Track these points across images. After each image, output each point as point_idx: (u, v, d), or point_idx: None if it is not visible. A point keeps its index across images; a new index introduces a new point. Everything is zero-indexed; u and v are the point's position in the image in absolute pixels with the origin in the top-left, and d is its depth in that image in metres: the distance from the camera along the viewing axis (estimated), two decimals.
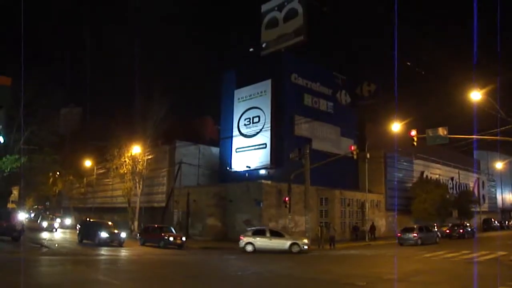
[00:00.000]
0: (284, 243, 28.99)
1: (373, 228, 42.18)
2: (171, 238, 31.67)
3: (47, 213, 57.67)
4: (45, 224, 47.29)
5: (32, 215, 66.87)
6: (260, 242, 28.94)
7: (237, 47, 51.95)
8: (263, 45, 49.14)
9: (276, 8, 49.51)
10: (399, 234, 37.37)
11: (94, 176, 60.46)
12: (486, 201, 73.29)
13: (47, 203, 68.25)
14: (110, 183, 55.75)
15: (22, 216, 60.38)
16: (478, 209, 61.39)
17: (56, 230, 46.27)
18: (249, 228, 31.80)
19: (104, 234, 30.86)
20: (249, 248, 28.84)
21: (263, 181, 39.38)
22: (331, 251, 31.92)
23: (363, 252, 30.75)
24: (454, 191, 59.96)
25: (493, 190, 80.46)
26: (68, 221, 55.16)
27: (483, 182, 73.10)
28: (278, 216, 38.30)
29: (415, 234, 35.98)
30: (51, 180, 59.00)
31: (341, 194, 42.98)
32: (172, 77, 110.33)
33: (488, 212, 70.79)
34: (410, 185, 51.91)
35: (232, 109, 47.59)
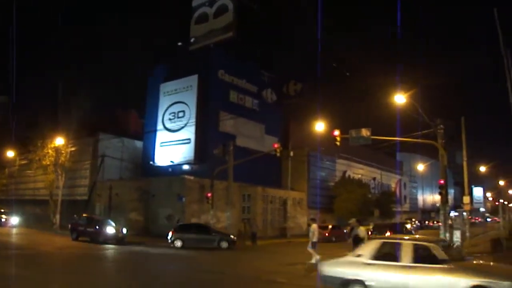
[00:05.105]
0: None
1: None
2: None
3: None
4: None
5: None
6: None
7: (166, 41, 51.25)
8: (192, 40, 48.71)
9: (206, 4, 49.28)
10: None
11: (17, 167, 57.99)
12: (408, 201, 76.28)
13: None
14: (33, 174, 53.62)
15: None
16: (399, 209, 63.62)
17: None
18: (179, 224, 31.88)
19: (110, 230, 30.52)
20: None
21: (186, 176, 38.92)
22: (253, 247, 32.17)
23: (282, 249, 31.19)
24: (376, 191, 61.74)
25: (415, 191, 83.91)
26: None
27: (404, 183, 75.99)
28: (200, 212, 37.97)
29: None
30: None
31: (263, 191, 43.12)
32: (97, 69, 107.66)
33: (409, 212, 73.69)
34: (333, 184, 52.97)
35: (157, 103, 46.86)
